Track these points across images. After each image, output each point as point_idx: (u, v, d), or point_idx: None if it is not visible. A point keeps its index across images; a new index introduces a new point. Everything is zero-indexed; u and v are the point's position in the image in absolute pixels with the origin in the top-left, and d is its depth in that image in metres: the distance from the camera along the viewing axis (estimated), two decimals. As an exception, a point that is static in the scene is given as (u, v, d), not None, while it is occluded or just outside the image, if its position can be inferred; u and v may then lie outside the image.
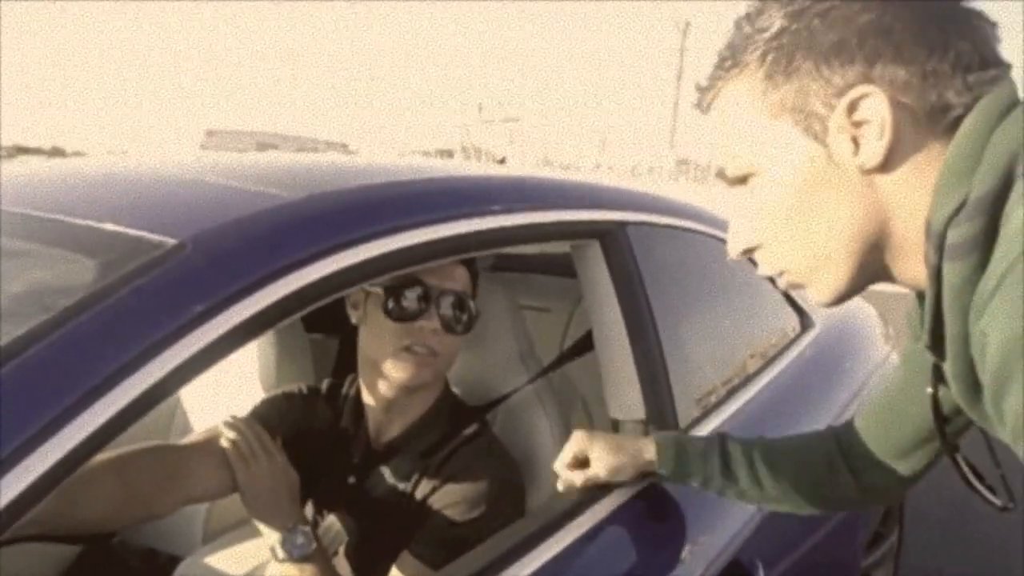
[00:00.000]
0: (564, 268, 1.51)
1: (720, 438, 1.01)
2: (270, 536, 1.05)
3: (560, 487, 1.03)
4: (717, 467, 0.98)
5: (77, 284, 0.68)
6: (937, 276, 0.56)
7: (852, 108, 0.57)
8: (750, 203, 0.65)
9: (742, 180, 0.65)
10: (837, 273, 0.63)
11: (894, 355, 2.03)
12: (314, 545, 1.05)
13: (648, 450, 1.02)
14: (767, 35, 0.60)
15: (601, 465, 1.01)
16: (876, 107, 0.56)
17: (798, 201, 0.61)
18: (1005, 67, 0.58)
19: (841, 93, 0.57)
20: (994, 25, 0.59)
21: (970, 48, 0.57)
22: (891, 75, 0.56)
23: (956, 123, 0.57)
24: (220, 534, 1.48)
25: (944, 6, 0.58)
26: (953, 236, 0.54)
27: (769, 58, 0.60)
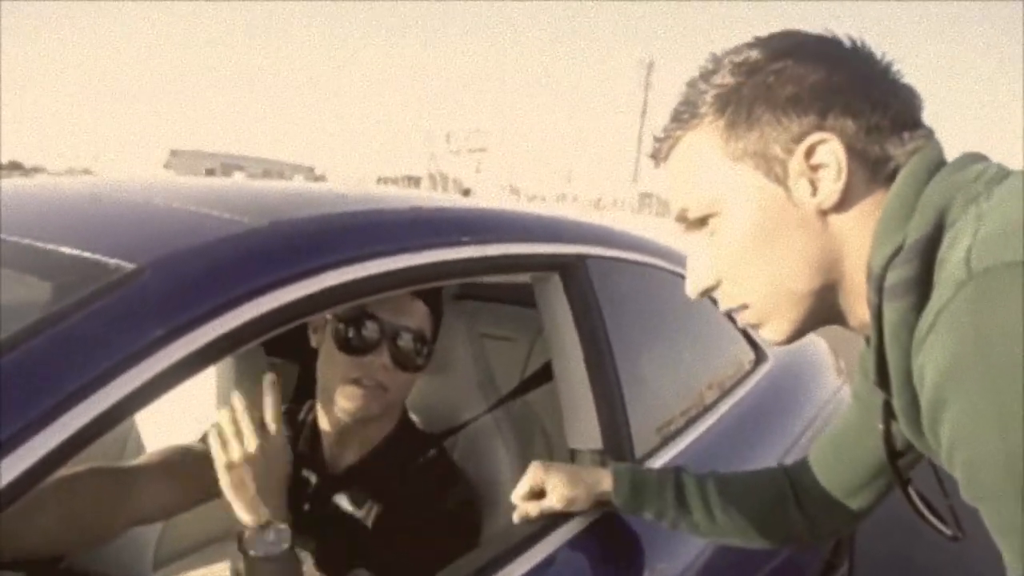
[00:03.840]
0: (527, 297, 1.53)
1: (675, 471, 1.03)
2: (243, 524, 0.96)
3: (516, 519, 1.04)
4: (671, 499, 1.00)
5: (31, 307, 0.68)
6: (878, 315, 0.60)
7: (810, 153, 0.63)
8: (710, 243, 0.69)
9: (702, 222, 0.69)
10: (793, 311, 0.67)
11: (845, 388, 2.08)
12: (285, 546, 0.96)
13: (604, 481, 1.03)
14: (725, 90, 0.65)
15: (557, 496, 1.02)
16: (833, 151, 0.62)
17: (759, 238, 0.65)
18: (931, 131, 0.65)
19: (799, 139, 0.63)
20: (918, 96, 0.66)
21: (904, 109, 0.63)
22: (841, 125, 0.62)
23: (894, 174, 0.62)
24: (172, 560, 1.45)
25: (880, 74, 0.64)
26: (891, 278, 0.58)
27: (729, 109, 0.65)
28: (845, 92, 0.62)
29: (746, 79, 0.64)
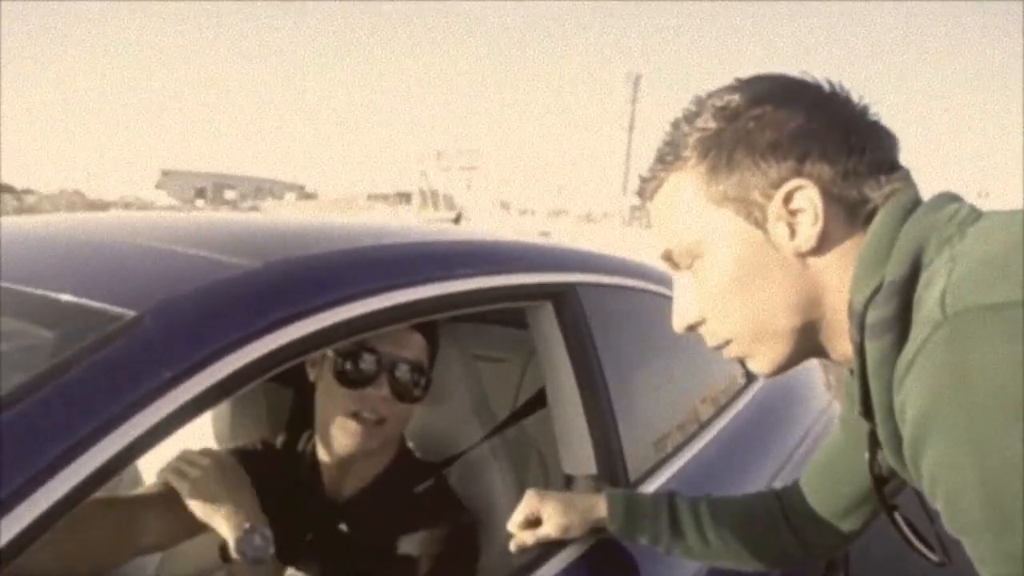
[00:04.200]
0: (519, 319, 1.55)
1: (668, 496, 1.04)
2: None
3: (513, 548, 1.05)
4: (666, 524, 1.01)
5: (34, 358, 0.69)
6: (861, 351, 0.62)
7: (788, 198, 0.65)
8: (693, 283, 0.72)
9: (687, 262, 0.72)
10: (776, 347, 0.70)
11: (835, 404, 2.10)
12: (272, 550, 0.98)
13: (599, 508, 1.05)
14: (707, 134, 0.67)
15: (552, 524, 1.03)
16: (810, 197, 0.64)
17: (740, 280, 0.68)
18: (907, 172, 0.67)
19: (777, 185, 0.65)
20: (895, 138, 0.68)
21: (880, 153, 0.66)
22: (819, 171, 0.64)
23: (872, 215, 0.65)
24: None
25: (856, 118, 0.66)
26: (872, 317, 0.61)
27: (711, 154, 0.67)
28: (823, 138, 0.64)
29: (727, 124, 0.66)
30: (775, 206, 0.65)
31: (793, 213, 0.65)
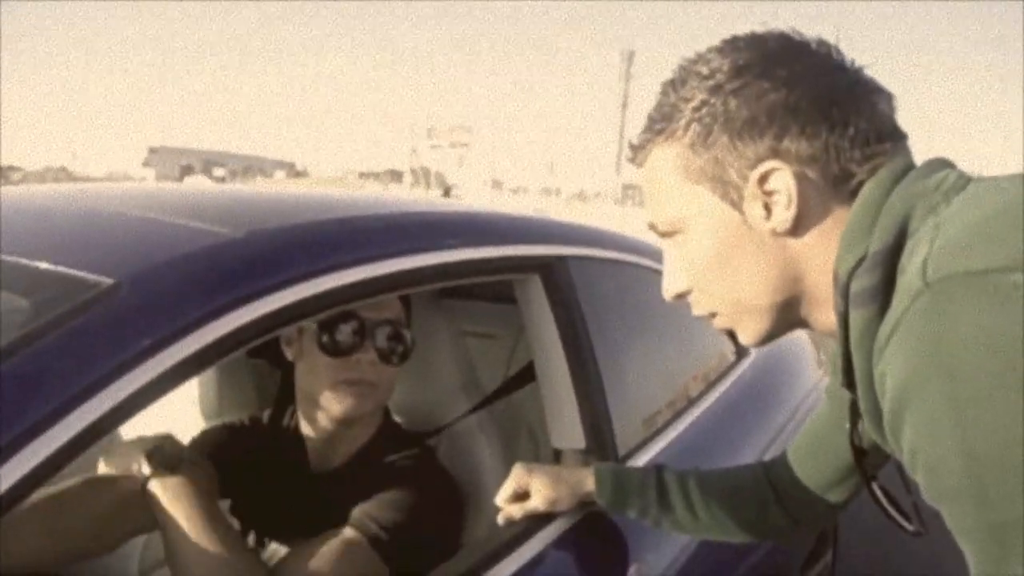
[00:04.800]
0: (509, 295, 1.54)
1: (656, 470, 1.04)
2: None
3: (500, 520, 1.05)
4: (654, 497, 1.01)
5: (10, 324, 0.67)
6: (844, 321, 0.61)
7: (763, 179, 0.64)
8: (678, 254, 0.72)
9: (670, 234, 0.71)
10: (759, 321, 0.70)
11: (825, 379, 2.10)
12: (185, 455, 0.99)
13: (587, 481, 1.04)
14: (690, 107, 0.66)
15: (540, 498, 1.03)
16: (784, 180, 0.63)
17: (718, 258, 0.68)
18: (901, 138, 0.65)
19: (753, 166, 0.64)
20: (891, 96, 0.66)
21: (867, 125, 0.63)
22: (796, 148, 0.63)
23: (857, 189, 0.63)
24: (158, 567, 1.44)
25: (844, 88, 0.64)
26: (856, 286, 0.60)
27: (692, 128, 0.66)
28: (802, 113, 0.63)
29: (709, 96, 0.65)
30: (751, 187, 0.64)
31: (768, 194, 0.64)
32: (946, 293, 0.50)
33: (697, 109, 0.65)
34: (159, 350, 0.66)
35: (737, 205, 0.66)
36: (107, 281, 0.70)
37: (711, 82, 0.65)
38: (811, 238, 0.65)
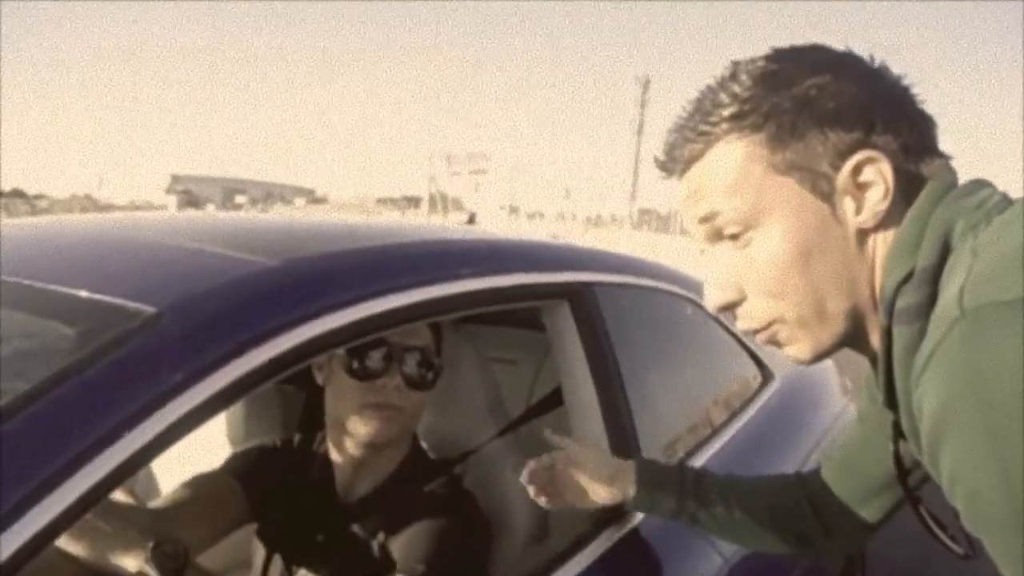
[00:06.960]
0: (531, 321, 1.54)
1: (695, 468, 1.05)
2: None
3: (525, 479, 1.03)
4: (691, 490, 1.00)
5: (56, 353, 0.69)
6: (888, 337, 0.61)
7: (857, 171, 0.62)
8: (740, 257, 0.67)
9: (732, 235, 0.67)
10: (823, 331, 0.66)
11: (851, 406, 2.08)
12: (188, 555, 0.90)
13: (627, 470, 1.04)
14: (763, 101, 0.63)
15: (588, 470, 1.02)
16: (880, 171, 0.62)
17: (801, 254, 0.64)
18: (944, 155, 0.65)
19: (845, 156, 0.62)
20: (935, 122, 0.66)
21: (928, 132, 0.64)
22: (885, 142, 0.62)
23: (917, 194, 0.62)
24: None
25: (907, 95, 0.64)
26: (901, 302, 0.59)
27: (772, 121, 0.63)
28: (885, 108, 0.62)
29: (785, 91, 0.63)
30: (843, 178, 0.62)
31: (860, 187, 0.62)
32: (980, 323, 0.50)
33: (775, 102, 0.63)
34: (202, 377, 0.67)
35: (827, 197, 0.63)
36: (149, 310, 0.72)
37: (782, 78, 0.63)
38: (887, 239, 0.63)
